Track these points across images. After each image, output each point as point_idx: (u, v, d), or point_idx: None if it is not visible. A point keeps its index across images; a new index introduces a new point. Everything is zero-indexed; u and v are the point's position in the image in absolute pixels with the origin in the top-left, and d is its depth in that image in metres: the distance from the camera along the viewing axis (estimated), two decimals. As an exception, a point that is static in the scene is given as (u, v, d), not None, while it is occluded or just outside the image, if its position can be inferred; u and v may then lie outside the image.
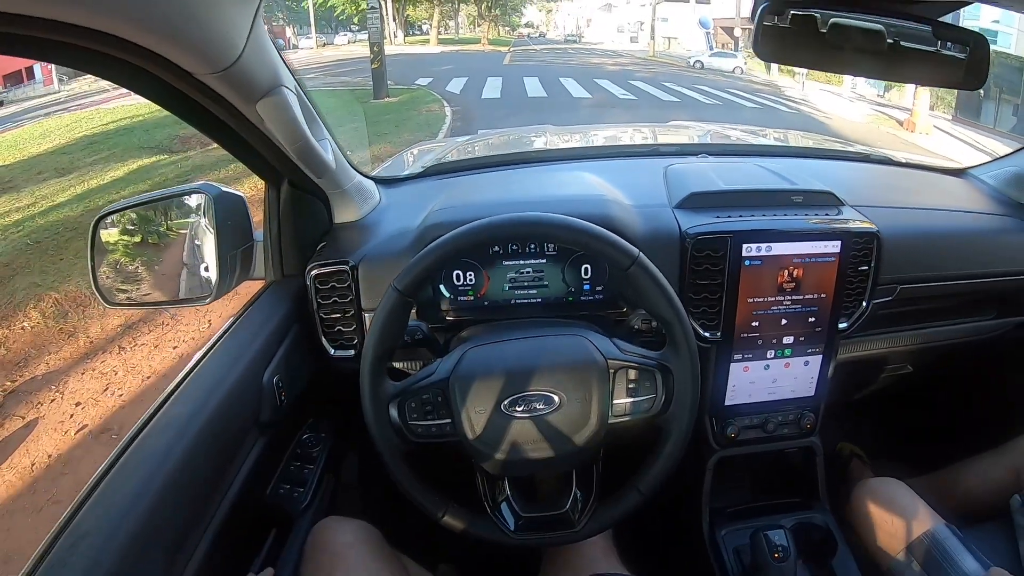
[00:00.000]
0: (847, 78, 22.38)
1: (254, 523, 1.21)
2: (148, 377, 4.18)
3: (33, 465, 3.44)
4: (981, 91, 19.35)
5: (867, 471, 1.97)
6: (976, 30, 0.98)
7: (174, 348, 4.48)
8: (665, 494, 1.11)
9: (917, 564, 1.38)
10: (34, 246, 6.40)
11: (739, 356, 1.41)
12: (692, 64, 29.21)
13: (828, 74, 23.20)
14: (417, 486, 1.07)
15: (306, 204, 1.38)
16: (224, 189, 1.26)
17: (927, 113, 15.66)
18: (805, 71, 23.42)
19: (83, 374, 4.29)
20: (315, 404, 1.45)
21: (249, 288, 1.38)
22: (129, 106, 14.80)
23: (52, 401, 4.03)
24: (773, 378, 1.46)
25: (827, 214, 1.44)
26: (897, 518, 1.44)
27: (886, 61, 0.93)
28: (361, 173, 1.53)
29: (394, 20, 36.31)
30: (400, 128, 11.19)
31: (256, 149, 1.16)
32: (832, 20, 0.90)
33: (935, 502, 1.49)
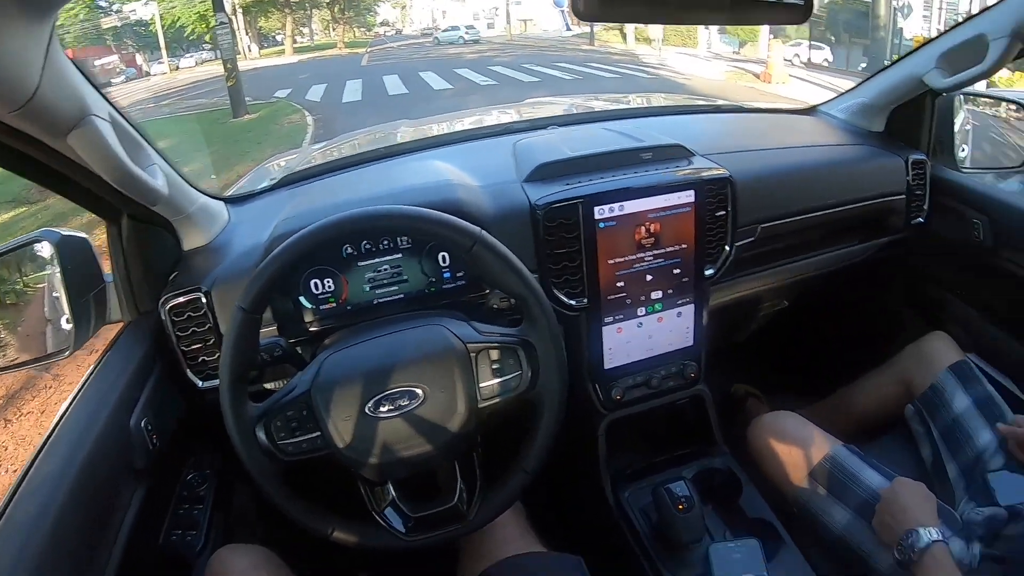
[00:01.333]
0: (702, 39, 23.07)
1: (149, 571, 1.17)
2: (41, 447, 3.94)
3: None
4: (833, 37, 20.36)
5: (764, 408, 2.04)
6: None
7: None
8: (566, 465, 1.14)
9: (822, 488, 1.44)
10: None
11: (610, 319, 1.45)
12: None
13: (684, 37, 23.81)
14: (299, 507, 1.05)
15: (151, 236, 1.33)
16: (65, 233, 1.20)
17: (782, 64, 16.29)
18: (661, 36, 23.98)
19: (-30, 458, 4.01)
20: (195, 442, 1.42)
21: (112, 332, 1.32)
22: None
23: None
24: (648, 334, 1.50)
25: (677, 166, 1.47)
26: (795, 448, 1.50)
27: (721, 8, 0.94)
28: (208, 195, 1.48)
29: (247, 34, 35.17)
30: (262, 144, 10.87)
31: (83, 186, 1.11)
32: None
33: (833, 427, 1.56)
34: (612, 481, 1.57)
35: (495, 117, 2.35)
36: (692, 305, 1.52)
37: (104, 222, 1.28)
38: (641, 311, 1.48)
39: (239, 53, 25.87)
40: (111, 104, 1.07)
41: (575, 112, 2.20)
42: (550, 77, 17.13)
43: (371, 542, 1.08)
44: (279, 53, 35.53)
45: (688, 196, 1.42)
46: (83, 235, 1.24)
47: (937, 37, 1.75)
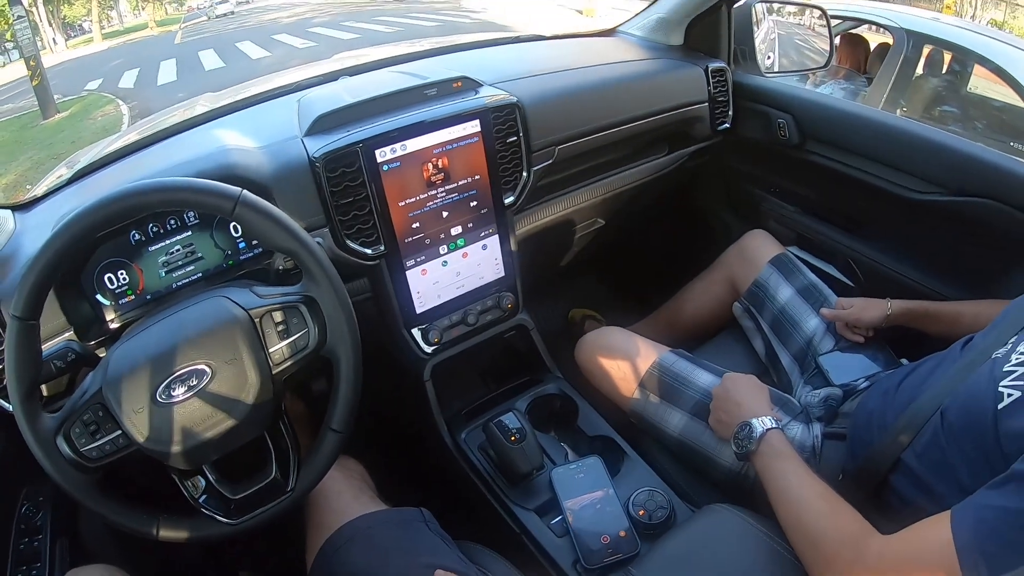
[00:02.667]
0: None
1: None
2: None
3: None
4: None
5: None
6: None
7: None
8: (400, 417, 1.10)
9: (655, 396, 1.46)
10: None
11: (411, 262, 1.42)
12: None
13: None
14: (120, 512, 0.98)
15: None
16: None
17: (603, -2, 16.62)
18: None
19: None
20: (24, 471, 1.28)
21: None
22: None
23: None
24: (456, 272, 1.48)
25: (463, 98, 1.44)
26: (622, 361, 1.51)
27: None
28: None
29: (51, 25, 32.70)
30: (77, 143, 10.09)
31: None
32: None
33: (668, 336, 1.60)
34: (448, 424, 1.56)
35: (293, 76, 2.26)
36: (496, 236, 1.51)
37: None
38: (443, 249, 1.46)
39: (44, 48, 24.08)
40: None
41: (366, 61, 2.12)
42: (371, 32, 16.78)
43: (199, 533, 1.03)
44: (88, 42, 33.24)
45: (474, 126, 1.40)
46: None
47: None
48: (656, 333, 1.65)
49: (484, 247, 1.50)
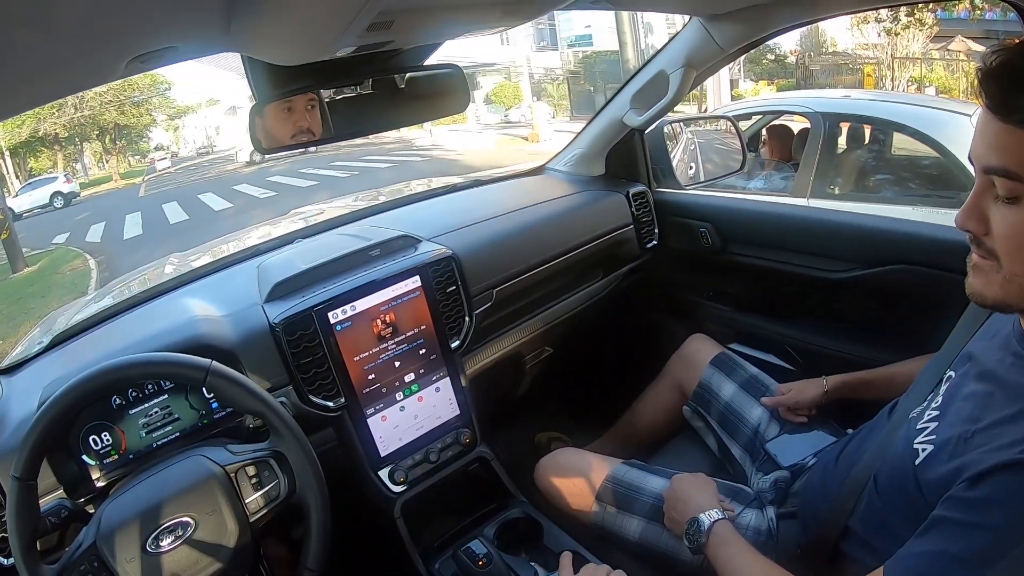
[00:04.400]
0: (471, 113, 23.63)
1: None
2: None
3: None
4: (591, 87, 21.72)
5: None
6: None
7: None
8: (376, 552, 1.17)
9: (611, 507, 1.51)
10: None
11: (371, 410, 1.50)
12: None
13: (451, 117, 24.39)
14: None
15: None
16: None
17: (547, 122, 17.36)
18: (431, 121, 24.46)
19: None
20: None
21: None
22: None
23: None
24: (414, 415, 1.57)
25: (404, 256, 1.56)
26: (577, 478, 1.58)
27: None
28: None
29: (17, 177, 32.83)
30: (48, 297, 10.19)
31: None
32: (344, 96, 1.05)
33: (626, 449, 1.67)
34: (423, 556, 1.59)
35: (252, 238, 2.38)
36: (447, 378, 1.60)
37: None
38: (399, 395, 1.55)
39: (9, 194, 24.09)
40: None
41: (316, 222, 2.19)
42: (327, 177, 17.16)
43: None
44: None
45: (415, 282, 1.52)
46: None
47: (627, 81, 1.98)
48: (615, 447, 1.73)
49: (437, 389, 1.59)
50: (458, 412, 1.63)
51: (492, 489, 1.72)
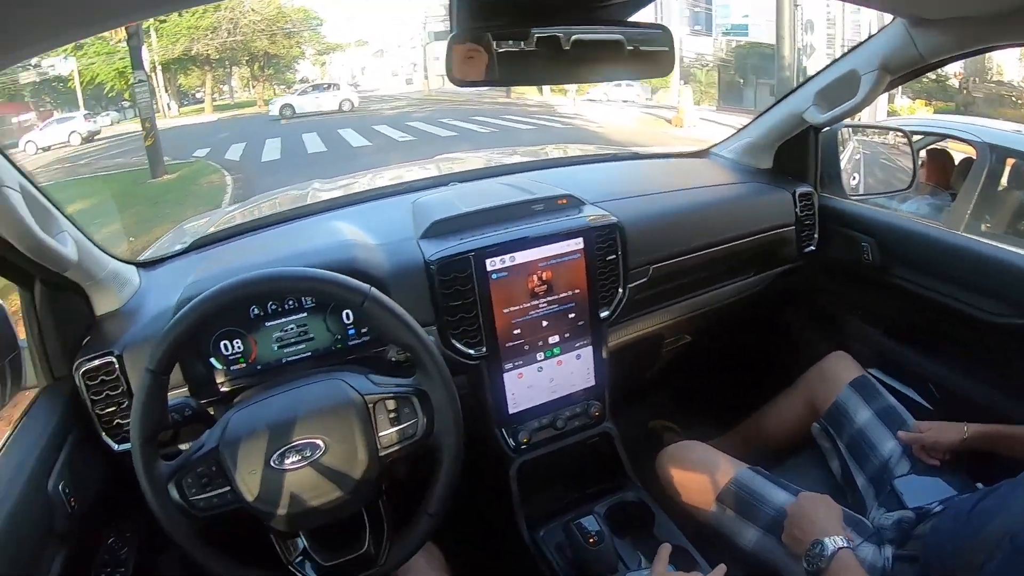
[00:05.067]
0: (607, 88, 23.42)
1: None
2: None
3: None
4: (740, 79, 21.12)
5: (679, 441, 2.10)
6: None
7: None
8: (482, 507, 1.16)
9: (730, 511, 1.48)
10: None
11: (510, 365, 1.49)
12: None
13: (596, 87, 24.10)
14: (214, 560, 1.06)
15: (64, 301, 1.34)
16: None
17: (692, 108, 16.80)
18: (575, 87, 24.30)
19: None
20: (116, 506, 1.39)
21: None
22: None
23: None
24: (550, 378, 1.54)
25: (567, 216, 1.53)
26: (701, 475, 1.54)
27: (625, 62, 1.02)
28: (120, 259, 1.50)
29: (166, 91, 34.45)
30: (182, 205, 10.61)
31: None
32: (574, 37, 0.97)
33: (746, 453, 1.61)
34: (527, 521, 1.60)
35: (403, 175, 2.40)
36: (590, 347, 1.57)
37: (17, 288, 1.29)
38: (540, 356, 1.52)
39: (159, 111, 25.25)
40: (21, 172, 1.10)
41: (473, 168, 2.26)
42: (467, 131, 17.15)
43: None
44: (199, 111, 34.85)
45: (577, 243, 1.48)
46: None
47: (814, 75, 1.88)
48: (735, 449, 1.67)
49: (578, 356, 1.56)
50: (593, 383, 1.61)
51: (608, 467, 1.71)
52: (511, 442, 1.57)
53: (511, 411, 1.54)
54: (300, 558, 1.13)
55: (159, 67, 32.71)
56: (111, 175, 14.81)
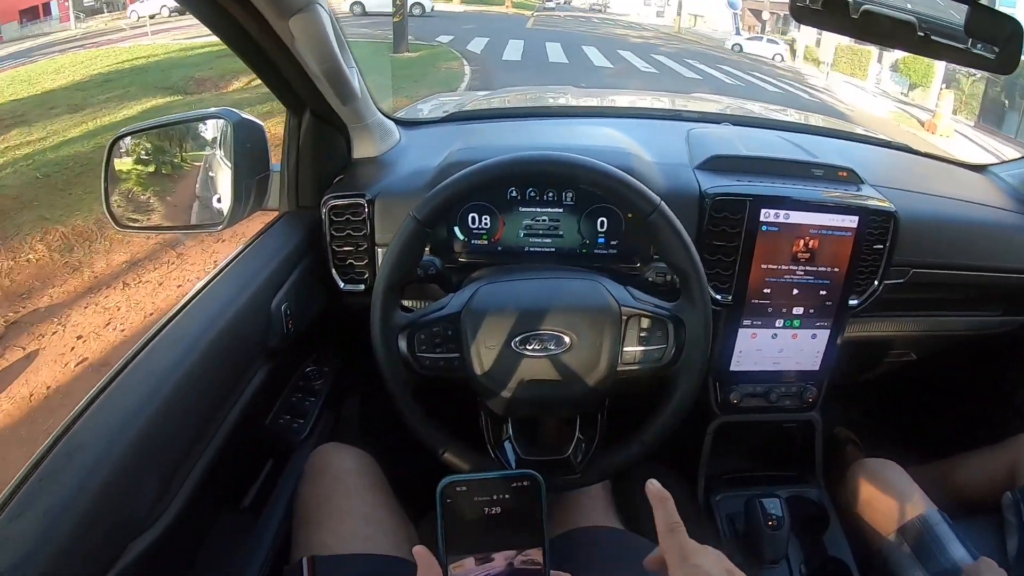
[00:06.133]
0: (872, 72, 21.98)
1: (252, 450, 1.21)
2: (151, 314, 4.22)
3: (31, 396, 3.52)
4: (1006, 100, 19.12)
5: (859, 456, 1.97)
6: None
7: (178, 287, 4.51)
8: (664, 453, 1.11)
9: (907, 546, 1.39)
10: (43, 180, 6.43)
11: (748, 322, 1.41)
12: (732, 48, 27.66)
13: (854, 67, 22.76)
14: (421, 421, 1.06)
15: (326, 136, 1.38)
16: (244, 116, 1.24)
17: (950, 116, 15.68)
18: (831, 60, 23.10)
19: (86, 308, 4.35)
20: (322, 338, 1.46)
21: (261, 218, 1.37)
22: (145, 46, 14.78)
23: (54, 333, 4.10)
24: (780, 348, 1.46)
25: (846, 189, 1.43)
26: (890, 499, 1.46)
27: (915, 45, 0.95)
28: (382, 113, 1.52)
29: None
30: (418, 84, 11.11)
31: (283, 73, 1.17)
32: (864, 7, 0.92)
33: (928, 490, 1.50)
34: (706, 482, 1.58)
35: (663, 102, 2.32)
36: (829, 331, 1.47)
37: (284, 114, 1.35)
38: (779, 323, 1.44)
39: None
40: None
41: (748, 115, 2.15)
42: (712, 77, 16.75)
43: (478, 470, 1.07)
44: (448, 0, 35.97)
45: (851, 221, 1.37)
46: (259, 122, 1.29)
47: None
48: (923, 485, 1.55)
49: (814, 336, 1.47)
50: (816, 368, 1.50)
51: (797, 457, 1.65)
52: (720, 399, 1.51)
53: (731, 368, 1.47)
54: (503, 443, 1.12)
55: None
56: (355, 42, 15.58)
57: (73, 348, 3.91)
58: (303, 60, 1.10)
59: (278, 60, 1.12)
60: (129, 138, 1.28)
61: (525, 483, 0.62)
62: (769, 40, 28.92)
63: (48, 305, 4.40)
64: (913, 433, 2.05)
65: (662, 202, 1.04)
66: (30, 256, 4.93)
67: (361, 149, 1.45)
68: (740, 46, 27.54)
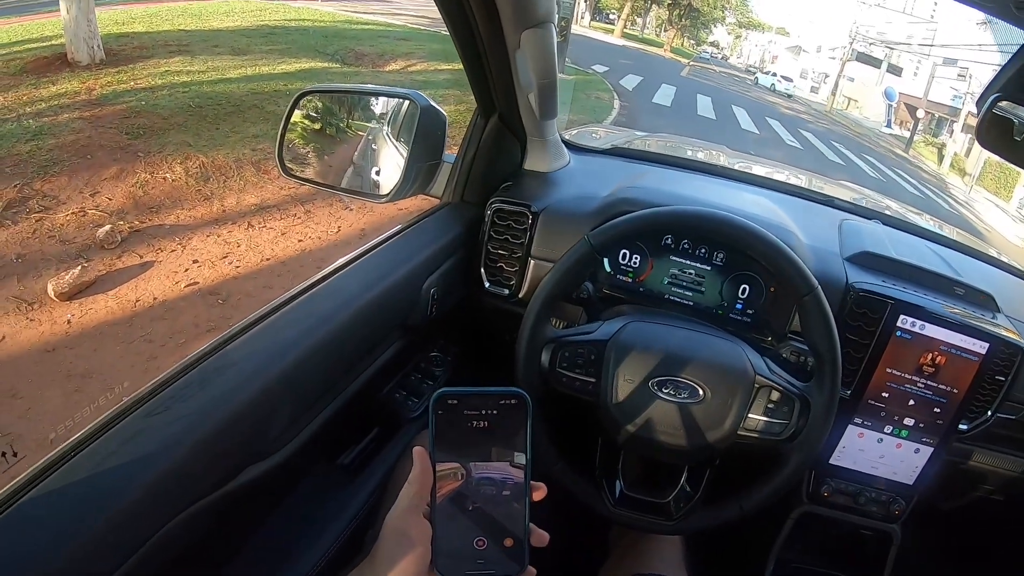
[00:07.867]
0: (1017, 194, 20.67)
1: (363, 414, 1.27)
2: (267, 259, 4.35)
3: (137, 302, 3.70)
4: None
5: None
6: None
7: (299, 241, 4.64)
8: (742, 526, 1.12)
9: None
10: (195, 109, 6.66)
11: (859, 420, 1.41)
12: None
13: (999, 184, 21.56)
14: (540, 435, 1.10)
15: (505, 142, 1.44)
16: (431, 103, 1.32)
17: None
18: (977, 174, 22.11)
19: (207, 237, 4.52)
20: (452, 329, 1.51)
21: (415, 203, 1.47)
22: (313, 9, 15.35)
23: (172, 251, 4.27)
24: (882, 453, 1.45)
25: (983, 314, 1.42)
26: None
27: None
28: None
29: (585, 2, 36.10)
30: (566, 107, 11.11)
31: (491, 76, 1.23)
32: None
33: None
34: (776, 567, 1.57)
35: (803, 180, 2.31)
36: (933, 449, 1.45)
37: (474, 112, 1.41)
38: (888, 428, 1.42)
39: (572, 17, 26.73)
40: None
41: (897, 215, 2.09)
42: (854, 165, 16.38)
43: (580, 492, 1.14)
44: (608, 31, 36.15)
45: (982, 347, 1.35)
46: (444, 112, 1.37)
47: None
48: None
49: (917, 450, 1.45)
50: (911, 483, 1.48)
51: (868, 565, 1.62)
52: (811, 487, 1.51)
53: (831, 460, 1.47)
54: (609, 475, 1.17)
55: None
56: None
57: (187, 270, 4.07)
58: (517, 69, 1.16)
59: (493, 64, 1.19)
60: (316, 95, 1.38)
61: (512, 401, 0.64)
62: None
63: (173, 224, 4.59)
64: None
65: (818, 287, 1.08)
66: (167, 175, 5.13)
67: (534, 162, 1.52)
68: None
